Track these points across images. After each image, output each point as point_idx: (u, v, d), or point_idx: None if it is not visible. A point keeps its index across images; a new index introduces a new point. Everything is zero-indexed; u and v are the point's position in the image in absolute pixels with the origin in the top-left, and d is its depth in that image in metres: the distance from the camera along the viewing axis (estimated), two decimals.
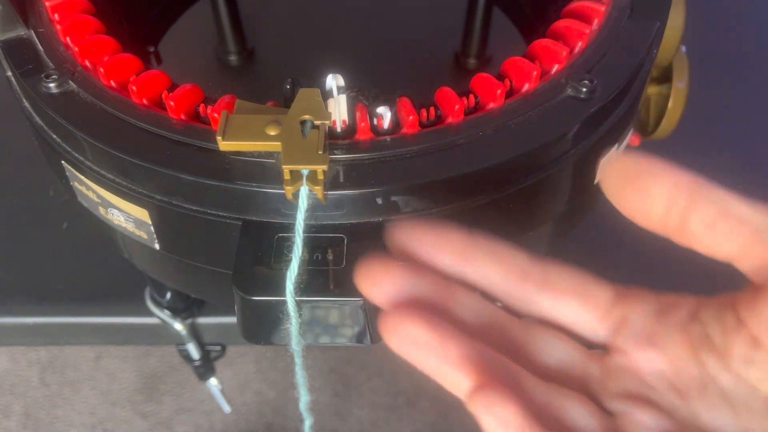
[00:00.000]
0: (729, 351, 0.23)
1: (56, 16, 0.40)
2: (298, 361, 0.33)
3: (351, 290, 0.31)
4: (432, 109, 0.35)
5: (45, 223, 0.60)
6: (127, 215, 0.37)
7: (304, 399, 0.35)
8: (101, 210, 0.38)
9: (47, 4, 0.40)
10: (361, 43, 0.55)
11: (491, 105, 0.35)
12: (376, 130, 0.34)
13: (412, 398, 1.18)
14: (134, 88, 0.35)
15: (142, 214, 0.36)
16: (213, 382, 0.65)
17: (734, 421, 0.23)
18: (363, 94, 0.36)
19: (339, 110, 0.33)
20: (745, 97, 0.71)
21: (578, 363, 0.26)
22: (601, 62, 0.37)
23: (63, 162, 0.37)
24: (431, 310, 0.25)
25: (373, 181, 0.32)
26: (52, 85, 0.36)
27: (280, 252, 0.32)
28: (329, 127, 0.31)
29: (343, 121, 0.33)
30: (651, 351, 0.25)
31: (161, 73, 0.37)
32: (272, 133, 0.30)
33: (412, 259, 0.26)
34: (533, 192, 0.36)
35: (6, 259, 0.59)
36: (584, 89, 0.35)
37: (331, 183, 0.32)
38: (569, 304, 0.27)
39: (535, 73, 0.35)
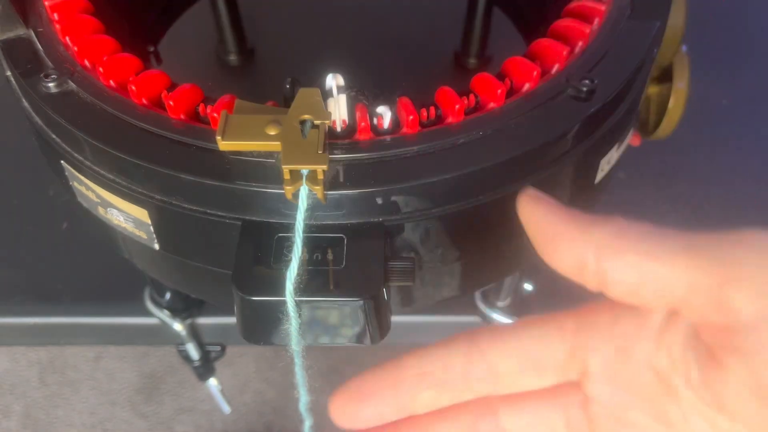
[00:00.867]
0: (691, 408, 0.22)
1: (56, 16, 0.39)
2: (297, 361, 0.33)
3: (351, 290, 0.31)
4: (432, 109, 0.35)
5: (45, 223, 0.60)
6: (126, 215, 0.37)
7: (303, 399, 0.35)
8: (101, 210, 0.38)
9: (47, 3, 0.40)
10: (361, 43, 0.55)
11: (491, 105, 0.35)
12: (376, 130, 0.34)
13: None
14: (134, 87, 0.35)
15: (142, 214, 0.36)
16: (213, 382, 0.65)
17: None
18: (363, 93, 0.36)
19: (339, 110, 0.33)
20: (745, 95, 0.71)
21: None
22: (601, 62, 0.37)
23: (62, 162, 0.37)
24: None
25: (373, 181, 0.32)
26: (51, 84, 0.36)
27: (279, 252, 0.32)
28: (329, 126, 0.31)
29: (343, 121, 0.33)
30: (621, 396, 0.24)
31: (161, 73, 0.37)
32: (272, 132, 0.30)
33: None
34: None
35: (6, 259, 0.59)
36: (584, 89, 0.35)
37: (331, 183, 0.32)
38: (527, 379, 0.26)
39: (535, 72, 0.35)
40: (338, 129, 0.33)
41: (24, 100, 0.38)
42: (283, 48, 0.54)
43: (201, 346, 0.59)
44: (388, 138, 0.33)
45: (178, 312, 0.55)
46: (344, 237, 0.33)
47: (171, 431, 1.16)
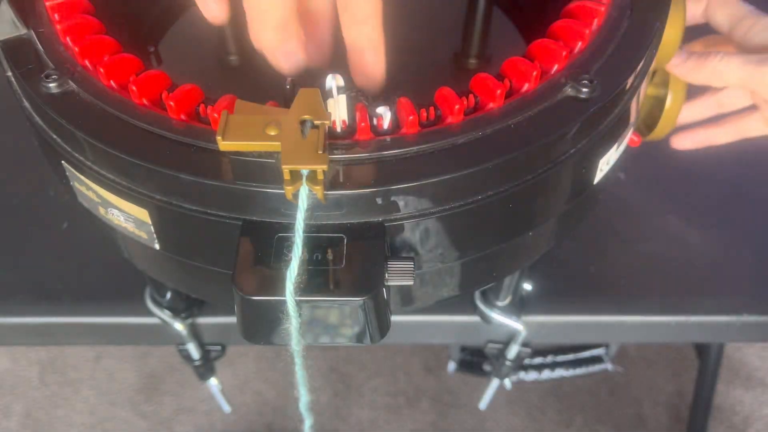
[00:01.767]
0: None
1: (56, 16, 0.40)
2: (298, 360, 0.33)
3: (351, 290, 0.31)
4: (432, 109, 0.35)
5: (45, 223, 0.60)
6: (127, 215, 0.37)
7: (304, 399, 0.35)
8: (101, 210, 0.38)
9: (47, 4, 0.40)
10: None
11: (491, 105, 0.35)
12: (375, 130, 0.34)
13: (412, 398, 1.18)
14: (134, 88, 0.35)
15: (142, 214, 0.36)
16: (213, 382, 0.65)
17: None
18: (362, 94, 0.36)
19: (339, 110, 0.33)
20: None
21: None
22: (600, 62, 0.37)
23: (63, 162, 0.37)
24: None
25: (373, 181, 0.32)
26: (52, 85, 0.36)
27: (280, 252, 0.32)
28: (329, 127, 0.31)
29: (343, 121, 0.33)
30: None
31: (161, 73, 0.37)
32: (272, 133, 0.30)
33: None
34: (533, 192, 0.36)
35: (6, 259, 0.59)
36: (584, 89, 0.35)
37: (331, 183, 0.32)
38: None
39: (534, 73, 0.36)
40: (338, 129, 0.33)
41: (24, 101, 0.38)
42: None
43: (201, 345, 0.59)
44: (387, 138, 0.33)
45: (178, 312, 0.55)
46: (344, 237, 0.33)
47: (171, 431, 1.16)
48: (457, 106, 0.34)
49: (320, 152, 0.30)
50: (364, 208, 0.33)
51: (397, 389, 1.19)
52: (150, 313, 0.55)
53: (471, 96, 0.35)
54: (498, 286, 0.53)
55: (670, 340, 0.60)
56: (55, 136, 0.37)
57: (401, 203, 0.33)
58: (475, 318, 0.56)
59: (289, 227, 0.33)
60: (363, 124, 0.33)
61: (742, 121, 0.56)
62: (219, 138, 0.30)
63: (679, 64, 0.51)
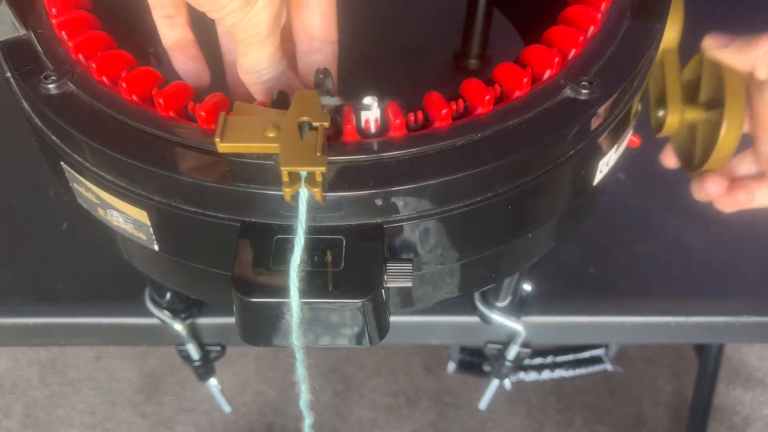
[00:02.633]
0: None
1: (55, 17, 0.39)
2: (299, 356, 0.33)
3: (350, 292, 0.31)
4: (430, 110, 0.35)
5: (45, 223, 0.60)
6: (126, 216, 0.37)
7: (304, 397, 0.35)
8: (100, 211, 0.38)
9: (47, 4, 0.40)
10: (360, 43, 0.55)
11: (514, 94, 0.35)
12: (378, 132, 0.34)
13: (412, 398, 1.18)
14: (125, 84, 0.35)
15: (141, 215, 0.36)
16: (213, 382, 0.65)
17: None
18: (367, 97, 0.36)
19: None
20: None
21: None
22: (600, 64, 0.37)
23: (62, 163, 0.37)
24: None
25: (372, 183, 0.32)
26: (51, 86, 0.36)
27: (279, 254, 0.32)
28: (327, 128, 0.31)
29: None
30: None
31: (151, 70, 0.37)
32: (270, 134, 0.30)
33: None
34: (532, 193, 0.36)
35: (6, 259, 0.59)
36: (583, 91, 0.35)
37: (330, 184, 0.32)
38: None
39: (525, 79, 0.35)
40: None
41: (24, 102, 0.38)
42: None
43: (201, 346, 0.59)
44: (386, 140, 0.33)
45: (178, 312, 0.55)
46: (343, 238, 0.33)
47: (171, 431, 1.16)
48: (471, 103, 0.34)
49: (319, 154, 0.30)
50: (363, 210, 0.33)
51: (397, 389, 1.19)
52: (150, 314, 0.55)
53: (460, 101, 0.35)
54: (498, 286, 0.53)
55: (670, 340, 0.60)
56: (54, 138, 0.37)
57: (400, 205, 0.33)
58: (475, 319, 0.56)
59: (288, 229, 0.33)
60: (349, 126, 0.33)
61: None
62: (218, 140, 0.30)
63: (721, 47, 0.43)
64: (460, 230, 0.36)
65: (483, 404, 0.72)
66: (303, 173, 0.30)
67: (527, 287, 0.56)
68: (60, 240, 0.59)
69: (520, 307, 0.56)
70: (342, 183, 0.32)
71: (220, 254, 0.36)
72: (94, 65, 0.36)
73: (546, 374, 0.84)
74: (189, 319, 0.56)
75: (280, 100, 0.35)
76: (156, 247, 0.38)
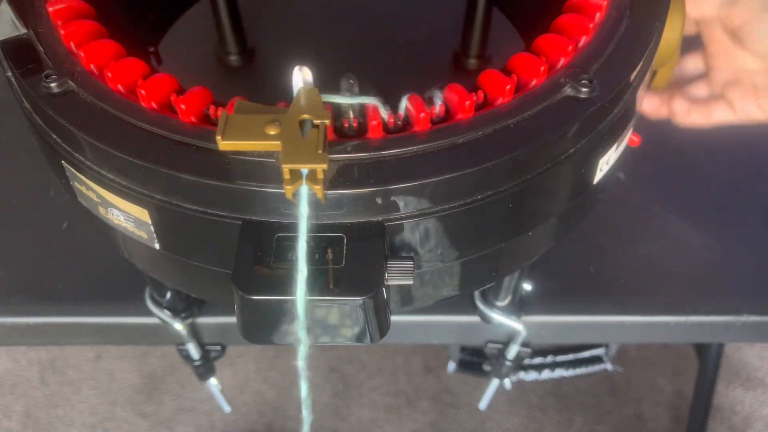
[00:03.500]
0: None
1: (56, 17, 0.40)
2: (303, 349, 0.32)
3: (350, 290, 0.31)
4: (433, 108, 0.35)
5: (45, 223, 0.60)
6: (127, 215, 0.37)
7: (304, 390, 0.35)
8: (101, 210, 0.38)
9: (47, 4, 0.40)
10: (360, 43, 0.55)
11: (499, 100, 0.35)
12: (384, 128, 0.34)
13: (412, 398, 1.18)
14: (143, 92, 0.35)
15: (142, 213, 0.36)
16: (213, 382, 0.65)
17: None
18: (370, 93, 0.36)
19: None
20: None
21: None
22: (600, 62, 0.37)
23: (63, 162, 0.37)
24: None
25: (373, 181, 0.32)
26: (52, 85, 0.36)
27: (280, 251, 0.32)
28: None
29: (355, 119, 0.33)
30: None
31: (168, 76, 0.37)
32: (272, 132, 0.30)
33: None
34: (532, 191, 0.36)
35: (6, 259, 0.59)
36: (584, 89, 0.35)
37: (331, 182, 0.32)
38: None
39: (542, 68, 0.35)
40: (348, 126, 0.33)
41: (24, 101, 0.38)
42: (283, 48, 0.55)
43: (201, 345, 0.59)
44: (387, 138, 0.33)
45: (178, 312, 0.55)
46: (344, 236, 0.33)
47: (171, 431, 1.16)
48: (467, 102, 0.34)
49: (320, 151, 0.30)
50: (364, 208, 0.33)
51: (397, 389, 1.19)
52: (150, 313, 0.55)
53: (475, 95, 0.35)
54: (498, 285, 0.53)
55: (670, 340, 0.60)
56: (55, 136, 0.37)
57: (401, 203, 0.33)
58: (475, 318, 0.56)
59: (289, 227, 0.33)
60: (374, 122, 0.33)
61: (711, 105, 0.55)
62: (219, 137, 0.30)
63: None
64: (461, 228, 0.36)
65: (483, 404, 0.73)
66: (304, 171, 0.30)
67: (527, 287, 0.56)
68: (60, 240, 0.59)
69: (520, 306, 0.56)
70: (343, 181, 0.32)
71: (221, 252, 0.36)
72: (93, 64, 0.36)
73: (546, 374, 0.84)
74: (189, 318, 0.56)
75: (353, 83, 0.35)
76: (157, 246, 0.38)
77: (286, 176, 0.30)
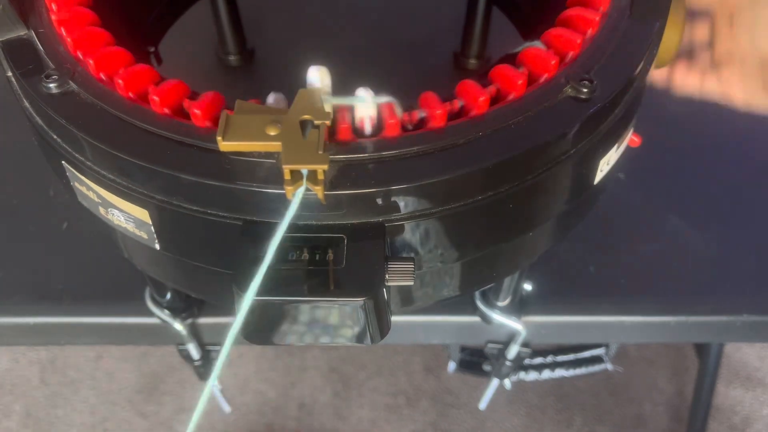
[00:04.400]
0: None
1: (55, 17, 0.40)
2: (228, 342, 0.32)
3: (351, 290, 0.31)
4: (415, 114, 0.34)
5: (45, 223, 0.60)
6: (127, 215, 0.37)
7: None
8: (101, 210, 0.38)
9: (47, 4, 0.40)
10: (360, 43, 0.55)
11: (475, 110, 0.35)
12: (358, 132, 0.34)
13: (412, 398, 1.18)
14: (156, 98, 0.35)
15: (143, 214, 0.36)
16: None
17: None
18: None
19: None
20: None
21: None
22: (600, 63, 0.37)
23: (63, 162, 0.37)
24: None
25: (373, 182, 0.32)
26: (52, 85, 0.36)
27: (280, 252, 0.32)
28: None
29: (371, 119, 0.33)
30: None
31: (149, 68, 0.37)
32: (272, 133, 0.30)
33: None
34: (533, 192, 0.36)
35: (6, 259, 0.59)
36: (584, 90, 0.35)
37: (332, 183, 0.32)
38: None
39: (520, 81, 0.35)
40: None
41: (25, 101, 0.38)
42: (283, 48, 0.55)
43: (201, 345, 0.59)
44: (388, 138, 0.33)
45: (178, 312, 0.55)
46: (344, 237, 0.33)
47: (171, 431, 1.16)
48: (438, 111, 0.34)
49: (320, 152, 0.30)
50: (365, 208, 0.33)
51: (397, 389, 1.19)
52: (150, 313, 0.55)
53: (455, 102, 0.35)
54: (498, 286, 0.53)
55: (670, 340, 0.60)
56: (55, 136, 0.37)
57: (401, 203, 0.33)
58: (475, 318, 0.56)
59: (289, 227, 0.33)
60: (389, 122, 0.33)
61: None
62: (219, 138, 0.30)
63: None
64: (462, 229, 0.36)
65: (483, 404, 0.73)
66: (305, 171, 0.30)
67: (528, 287, 0.56)
68: (60, 240, 0.59)
69: (521, 306, 0.56)
70: (344, 181, 0.32)
71: (221, 253, 0.36)
72: (91, 62, 0.36)
73: (546, 374, 0.84)
74: (189, 318, 0.56)
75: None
76: (157, 246, 0.38)
77: (287, 177, 0.30)
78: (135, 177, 0.34)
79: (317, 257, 0.32)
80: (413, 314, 0.56)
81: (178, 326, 0.55)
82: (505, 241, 0.39)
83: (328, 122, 0.31)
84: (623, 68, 0.37)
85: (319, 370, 1.19)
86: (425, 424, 1.16)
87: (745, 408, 1.18)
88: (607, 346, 0.88)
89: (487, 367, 0.65)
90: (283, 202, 0.32)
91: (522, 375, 0.84)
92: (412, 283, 0.33)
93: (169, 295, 0.54)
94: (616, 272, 0.59)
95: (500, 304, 0.55)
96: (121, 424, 1.17)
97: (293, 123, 0.30)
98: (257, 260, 0.32)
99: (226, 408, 0.78)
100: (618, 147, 0.40)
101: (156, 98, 0.34)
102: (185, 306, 0.55)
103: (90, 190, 0.37)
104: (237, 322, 0.31)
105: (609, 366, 0.89)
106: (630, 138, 0.42)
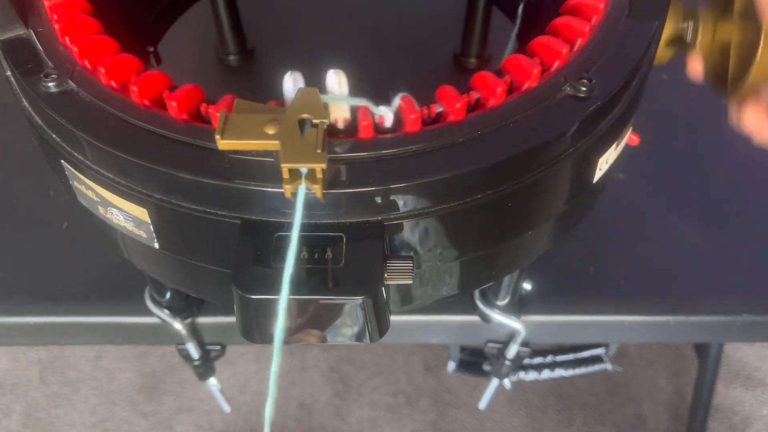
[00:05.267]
0: None
1: (55, 16, 0.40)
2: (276, 357, 0.32)
3: (350, 289, 0.31)
4: (433, 108, 0.35)
5: (45, 223, 0.60)
6: (126, 214, 0.37)
7: (272, 395, 0.34)
8: (101, 209, 0.38)
9: (46, 3, 0.40)
10: (361, 43, 0.55)
11: (491, 102, 0.35)
12: (376, 129, 0.34)
13: (412, 398, 1.18)
14: (135, 88, 0.35)
15: (142, 213, 0.36)
16: (213, 381, 0.65)
17: None
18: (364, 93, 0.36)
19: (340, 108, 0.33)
20: None
21: None
22: (599, 61, 0.37)
23: (62, 161, 0.37)
24: None
25: (372, 180, 0.32)
26: (51, 84, 0.36)
27: (279, 251, 0.32)
28: (328, 124, 0.31)
29: (345, 119, 0.33)
30: None
31: (161, 73, 0.37)
32: (271, 131, 0.30)
33: None
34: (532, 191, 0.36)
35: (6, 259, 0.59)
36: (583, 88, 0.35)
37: (330, 181, 0.32)
38: None
39: (535, 70, 0.35)
40: (340, 127, 0.33)
41: (24, 100, 0.38)
42: (283, 48, 0.55)
43: (201, 345, 0.59)
44: (387, 137, 0.33)
45: (178, 311, 0.55)
46: (343, 236, 0.33)
47: (171, 431, 1.16)
48: (458, 104, 0.34)
49: (319, 151, 0.30)
50: (363, 207, 0.33)
51: (397, 389, 1.19)
52: (150, 313, 0.55)
53: (472, 94, 0.35)
54: (497, 285, 0.53)
55: (670, 340, 0.60)
56: (54, 136, 0.37)
57: (400, 202, 0.33)
58: (475, 318, 0.56)
59: (288, 227, 0.33)
60: (365, 122, 0.33)
61: None
62: (218, 137, 0.30)
63: None
64: (461, 227, 0.36)
65: (483, 404, 0.73)
66: (303, 170, 0.30)
67: (527, 286, 0.56)
68: (60, 240, 0.59)
69: (520, 306, 0.56)
70: (343, 180, 0.32)
71: (220, 252, 0.36)
72: (102, 70, 0.36)
73: (546, 374, 0.84)
74: (189, 318, 0.56)
75: None
76: (156, 245, 0.38)
77: (286, 175, 0.30)
78: (134, 176, 0.34)
79: (316, 256, 0.32)
80: (412, 313, 0.56)
81: (178, 326, 0.55)
82: (504, 240, 0.39)
83: (327, 121, 0.31)
84: (622, 67, 0.37)
85: (319, 369, 1.19)
86: (425, 424, 1.16)
87: (745, 408, 1.18)
88: (606, 346, 0.88)
89: (486, 367, 0.65)
90: (282, 200, 0.32)
91: (522, 375, 0.84)
92: (411, 281, 0.33)
93: (168, 295, 0.54)
94: (616, 272, 0.59)
95: (500, 303, 0.55)
96: (121, 424, 1.17)
97: (292, 122, 0.31)
98: (256, 259, 0.32)
99: (226, 408, 0.78)
100: (617, 146, 0.40)
101: (167, 101, 0.34)
102: (185, 306, 0.55)
103: (89, 189, 0.37)
104: (279, 325, 0.30)
105: (609, 366, 0.89)
106: (629, 137, 0.42)
